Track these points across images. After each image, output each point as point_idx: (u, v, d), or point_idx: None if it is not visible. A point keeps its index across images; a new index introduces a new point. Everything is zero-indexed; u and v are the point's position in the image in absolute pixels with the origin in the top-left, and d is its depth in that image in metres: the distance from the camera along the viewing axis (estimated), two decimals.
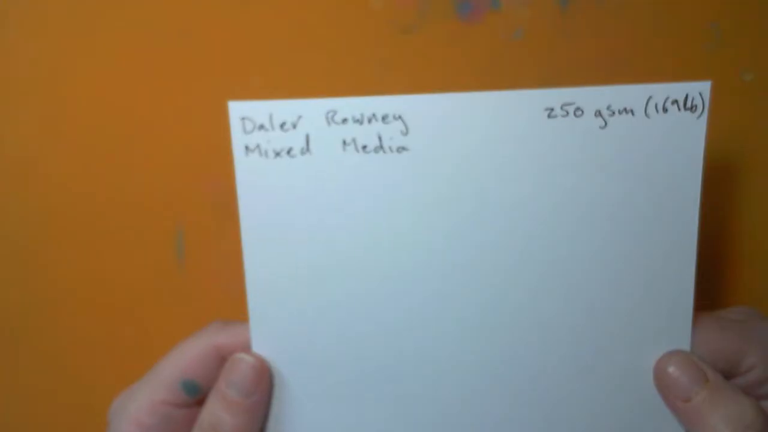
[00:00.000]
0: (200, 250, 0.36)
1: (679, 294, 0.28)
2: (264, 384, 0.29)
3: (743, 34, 0.33)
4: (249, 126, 0.28)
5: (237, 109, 0.28)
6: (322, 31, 0.33)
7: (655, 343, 0.28)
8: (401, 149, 0.28)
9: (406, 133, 0.28)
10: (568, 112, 0.27)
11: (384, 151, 0.28)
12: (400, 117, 0.28)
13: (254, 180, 0.29)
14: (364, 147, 0.28)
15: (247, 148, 0.28)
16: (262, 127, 0.28)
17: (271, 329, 0.30)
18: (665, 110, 0.27)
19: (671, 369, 0.28)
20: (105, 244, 0.36)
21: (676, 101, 0.27)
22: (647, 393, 0.28)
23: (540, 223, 0.28)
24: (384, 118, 0.28)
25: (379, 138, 0.28)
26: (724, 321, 0.29)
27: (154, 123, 0.35)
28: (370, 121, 0.28)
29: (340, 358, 0.30)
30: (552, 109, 0.27)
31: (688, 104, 0.27)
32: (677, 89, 0.27)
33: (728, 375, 0.28)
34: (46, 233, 0.35)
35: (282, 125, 0.28)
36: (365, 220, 0.28)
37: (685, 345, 0.28)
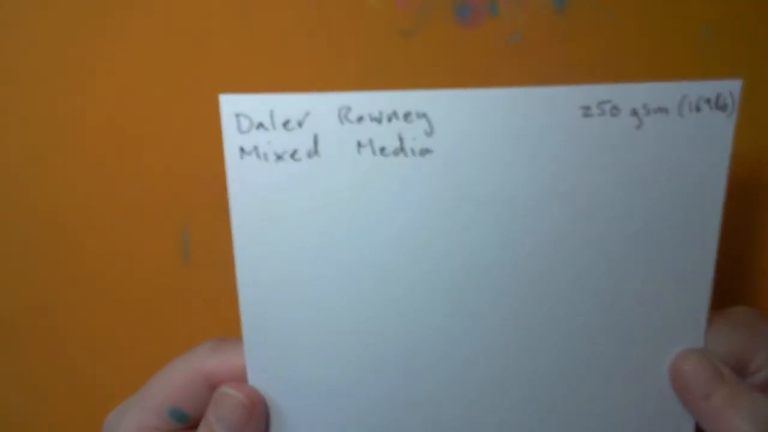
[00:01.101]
0: (206, 250, 0.35)
1: (696, 294, 0.27)
2: (255, 420, 0.26)
3: (735, 38, 0.34)
4: (245, 124, 0.24)
5: (230, 104, 0.23)
6: (321, 34, 0.33)
7: (670, 342, 0.27)
8: (425, 152, 0.25)
9: (430, 133, 0.24)
10: (604, 111, 0.25)
11: (405, 154, 0.24)
12: (424, 115, 0.24)
13: (251, 188, 0.24)
14: (382, 149, 0.24)
15: (242, 150, 0.24)
16: (261, 125, 0.24)
17: (268, 358, 0.26)
18: (698, 109, 0.25)
19: (688, 367, 0.27)
20: (111, 243, 0.35)
21: (708, 100, 0.25)
22: (663, 393, 0.28)
23: (571, 227, 0.26)
24: (406, 116, 0.24)
25: (400, 139, 0.24)
26: (734, 322, 0.29)
27: (160, 122, 0.34)
28: (390, 119, 0.24)
29: (343, 388, 0.26)
30: (588, 108, 0.25)
31: (720, 103, 0.26)
32: (710, 87, 0.25)
33: (737, 375, 0.28)
34: (52, 233, 0.35)
35: (285, 124, 0.24)
36: (383, 236, 0.25)
37: (698, 344, 0.28)
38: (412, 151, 0.24)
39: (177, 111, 0.34)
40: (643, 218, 0.26)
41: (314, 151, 0.24)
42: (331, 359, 0.26)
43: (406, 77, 0.33)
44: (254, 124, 0.24)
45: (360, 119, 0.24)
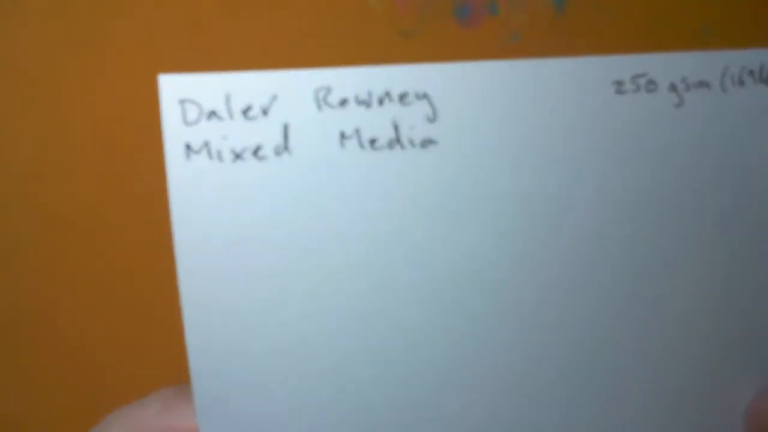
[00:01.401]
0: None
1: None
2: None
3: (735, 38, 0.35)
4: (192, 113, 0.18)
5: (173, 87, 0.17)
6: (322, 34, 0.34)
7: (742, 371, 0.23)
8: (427, 142, 0.19)
9: (433, 119, 0.19)
10: (639, 87, 0.20)
11: (402, 147, 0.19)
12: (425, 95, 0.19)
13: (200, 197, 0.18)
14: (373, 142, 0.19)
15: (188, 147, 0.18)
16: (213, 114, 0.18)
17: (225, 421, 0.20)
18: (741, 83, 0.21)
19: None
20: (112, 244, 0.36)
21: (752, 72, 0.21)
22: None
23: (609, 227, 0.21)
24: (402, 97, 0.19)
25: (395, 127, 0.19)
26: None
27: (155, 121, 0.31)
28: (381, 102, 0.19)
29: None
30: (621, 83, 0.20)
31: (765, 75, 0.22)
32: (754, 57, 0.21)
33: None
34: (52, 233, 0.36)
35: (246, 111, 0.18)
36: (377, 256, 0.19)
37: None
38: (411, 143, 0.19)
39: None
40: (693, 213, 0.21)
41: (284, 147, 0.18)
42: (311, 415, 0.20)
43: None
44: (204, 112, 0.18)
45: (343, 103, 0.18)
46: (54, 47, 0.34)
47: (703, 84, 0.21)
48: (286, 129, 0.18)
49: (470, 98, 0.19)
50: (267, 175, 0.18)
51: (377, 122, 0.19)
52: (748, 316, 0.22)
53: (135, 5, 0.34)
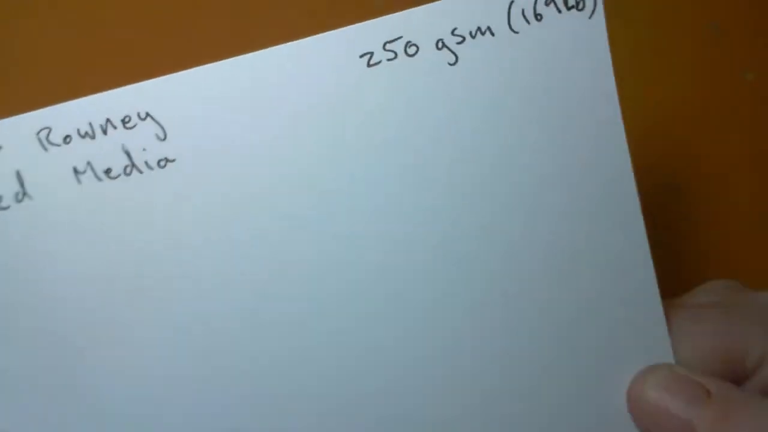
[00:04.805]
0: None
1: (639, 284, 0.19)
2: None
3: (743, 33, 0.33)
4: None
5: None
6: (321, 31, 0.31)
7: (623, 360, 0.19)
8: (164, 162, 0.18)
9: (163, 137, 0.18)
10: (396, 53, 0.17)
11: (140, 171, 0.18)
12: (148, 115, 0.18)
13: None
14: (108, 171, 0.18)
15: None
16: None
17: None
18: (538, 17, 0.17)
19: (653, 393, 0.19)
20: None
21: (551, 0, 0.17)
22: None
23: (377, 224, 0.19)
24: (125, 121, 0.18)
25: (127, 153, 0.18)
26: (705, 309, 0.21)
27: None
28: (105, 130, 0.18)
29: None
30: (371, 54, 0.17)
31: (570, 1, 0.17)
32: None
33: (734, 380, 0.20)
34: None
35: None
36: (148, 282, 0.19)
37: (665, 356, 0.20)
38: (147, 165, 0.18)
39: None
40: (520, 194, 0.18)
41: (23, 193, 0.18)
42: None
43: None
44: None
45: (67, 139, 0.18)
46: None
47: (482, 30, 0.17)
48: (19, 175, 0.18)
49: (197, 107, 0.18)
50: (11, 225, 0.18)
51: (107, 151, 0.18)
52: (607, 305, 0.19)
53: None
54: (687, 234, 0.32)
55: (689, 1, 0.33)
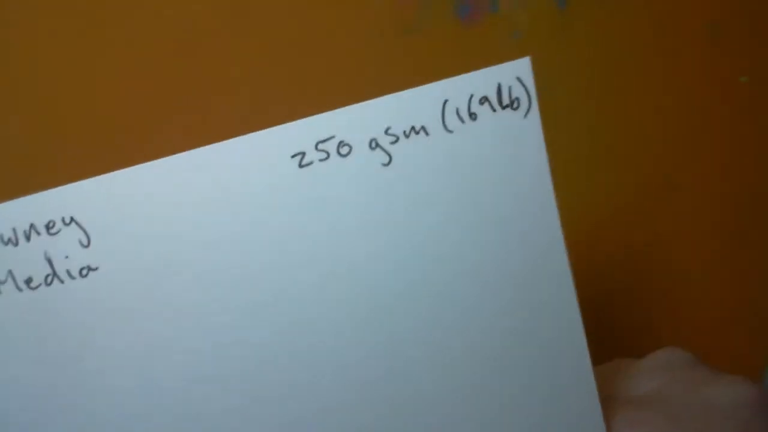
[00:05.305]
0: None
1: (580, 397, 0.18)
2: None
3: (740, 36, 0.34)
4: None
5: None
6: (323, 32, 0.33)
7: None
8: (86, 270, 0.17)
9: (87, 243, 0.17)
10: (328, 153, 0.17)
11: (61, 280, 0.17)
12: (72, 219, 0.17)
13: None
14: (29, 281, 0.17)
15: None
16: None
17: None
18: (473, 116, 0.17)
19: None
20: None
21: (485, 99, 0.17)
22: None
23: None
24: (49, 226, 0.17)
25: (49, 261, 0.17)
26: (645, 410, 0.19)
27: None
28: (28, 237, 0.17)
29: None
30: (303, 154, 0.17)
31: (505, 100, 0.17)
32: (480, 80, 0.17)
33: None
34: None
35: None
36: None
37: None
38: (69, 274, 0.17)
39: (180, 111, 0.31)
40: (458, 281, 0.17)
41: None
42: None
43: (407, 75, 0.31)
44: None
45: None
46: None
47: (416, 130, 0.17)
48: None
49: (123, 210, 0.17)
50: None
51: (29, 259, 0.17)
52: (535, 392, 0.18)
53: None
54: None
55: (687, 2, 0.33)
